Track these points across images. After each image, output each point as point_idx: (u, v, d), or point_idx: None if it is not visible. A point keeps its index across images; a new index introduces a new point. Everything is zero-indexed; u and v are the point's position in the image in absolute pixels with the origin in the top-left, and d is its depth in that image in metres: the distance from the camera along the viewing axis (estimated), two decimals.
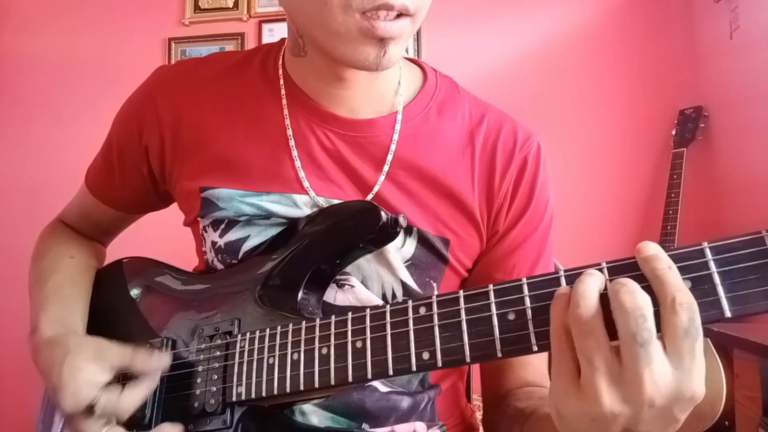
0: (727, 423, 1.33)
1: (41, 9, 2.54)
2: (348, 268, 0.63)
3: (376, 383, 0.63)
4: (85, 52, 2.46)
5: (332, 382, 0.49)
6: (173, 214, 0.78)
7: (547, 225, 0.71)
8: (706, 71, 2.09)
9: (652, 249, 0.39)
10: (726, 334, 1.31)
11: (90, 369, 0.56)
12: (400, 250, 0.65)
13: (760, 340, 1.21)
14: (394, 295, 0.65)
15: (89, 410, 0.54)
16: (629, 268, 0.39)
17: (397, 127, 0.66)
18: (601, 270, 0.40)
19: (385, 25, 0.53)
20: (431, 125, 0.68)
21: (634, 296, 0.36)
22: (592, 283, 0.39)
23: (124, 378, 0.58)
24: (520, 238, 0.69)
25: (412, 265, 0.65)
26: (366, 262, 0.64)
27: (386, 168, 0.65)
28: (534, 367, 0.70)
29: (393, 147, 0.65)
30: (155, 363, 0.58)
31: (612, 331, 0.38)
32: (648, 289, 0.37)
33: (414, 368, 0.46)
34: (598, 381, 0.37)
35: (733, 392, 1.31)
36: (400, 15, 0.54)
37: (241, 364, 0.56)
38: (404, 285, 0.65)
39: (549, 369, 0.71)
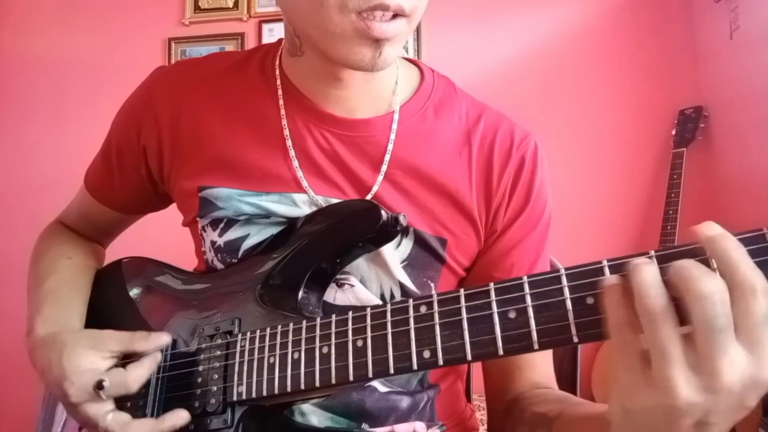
0: None
1: (41, 9, 2.53)
2: (347, 268, 0.63)
3: (376, 383, 0.63)
4: (85, 52, 2.46)
5: (333, 381, 0.49)
6: (173, 214, 0.78)
7: (545, 224, 0.70)
8: (705, 71, 2.08)
9: (716, 228, 0.36)
10: None
11: (90, 357, 0.57)
12: (397, 250, 0.64)
13: None
14: (392, 296, 0.65)
15: (96, 394, 0.55)
16: (676, 257, 0.37)
17: (394, 126, 0.66)
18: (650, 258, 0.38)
19: (381, 26, 0.53)
20: (428, 125, 0.68)
21: (707, 281, 0.34)
22: (654, 271, 0.36)
23: (124, 363, 0.58)
24: (517, 237, 0.68)
25: (408, 265, 0.65)
26: (364, 263, 0.64)
27: (384, 168, 0.65)
28: (540, 369, 0.69)
29: (390, 147, 0.65)
30: (154, 342, 0.59)
31: None
32: None
33: (415, 366, 0.46)
34: (675, 372, 0.35)
35: None
36: (395, 15, 0.54)
37: (241, 363, 0.56)
38: (402, 285, 0.65)
39: (549, 367, 0.71)
